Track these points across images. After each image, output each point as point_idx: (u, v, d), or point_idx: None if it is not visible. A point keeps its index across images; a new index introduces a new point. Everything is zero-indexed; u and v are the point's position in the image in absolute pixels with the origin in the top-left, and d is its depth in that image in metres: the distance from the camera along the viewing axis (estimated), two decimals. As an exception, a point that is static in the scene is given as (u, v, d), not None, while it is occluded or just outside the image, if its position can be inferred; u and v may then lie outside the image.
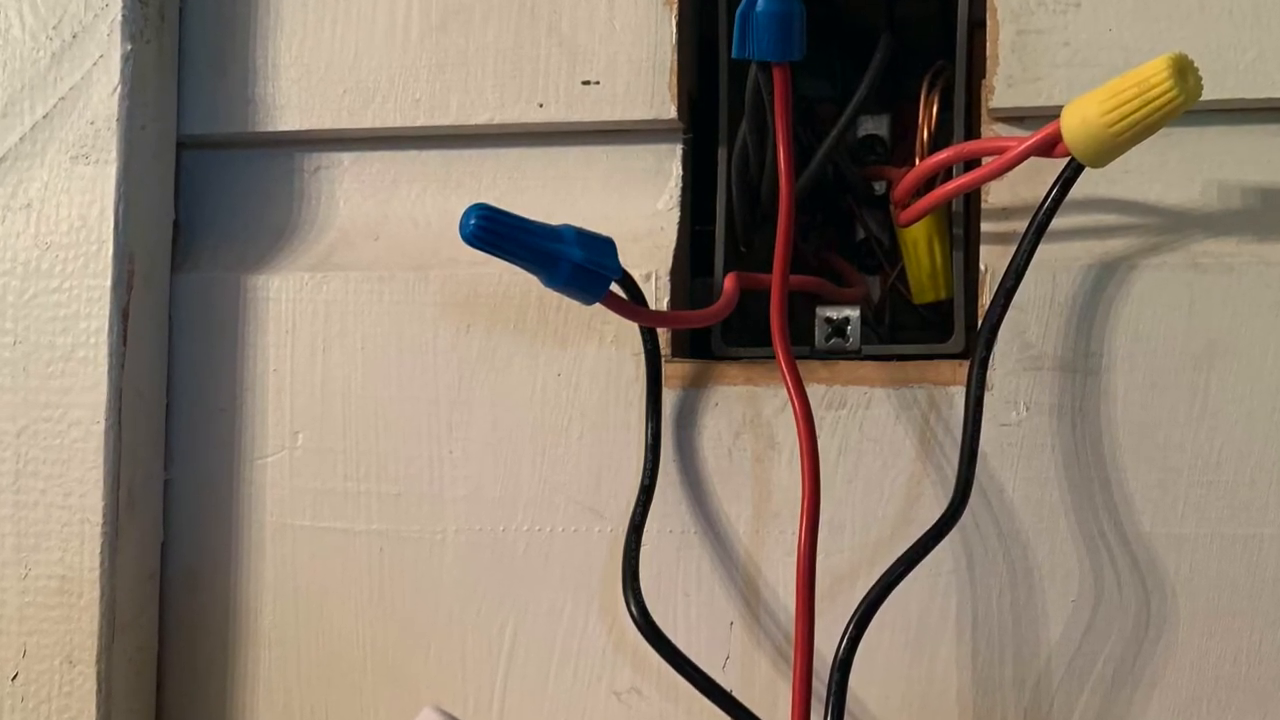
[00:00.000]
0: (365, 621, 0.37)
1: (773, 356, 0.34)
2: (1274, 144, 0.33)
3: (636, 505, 0.33)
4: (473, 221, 0.28)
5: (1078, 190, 0.32)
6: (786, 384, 0.32)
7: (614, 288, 0.31)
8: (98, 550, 0.36)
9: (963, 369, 0.33)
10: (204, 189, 0.40)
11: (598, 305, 0.31)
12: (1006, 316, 0.32)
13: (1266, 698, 0.32)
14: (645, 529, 0.34)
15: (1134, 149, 0.30)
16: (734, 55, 0.32)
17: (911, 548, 0.31)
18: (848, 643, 0.30)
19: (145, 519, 0.38)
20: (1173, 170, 0.34)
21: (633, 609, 0.32)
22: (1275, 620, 0.32)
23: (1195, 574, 0.32)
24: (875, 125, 0.40)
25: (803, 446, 0.32)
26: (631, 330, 0.35)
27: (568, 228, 0.30)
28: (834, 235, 0.40)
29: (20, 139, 0.37)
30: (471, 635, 0.36)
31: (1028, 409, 0.33)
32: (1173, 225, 0.33)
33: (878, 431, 0.34)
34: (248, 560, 0.38)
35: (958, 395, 0.33)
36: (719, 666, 0.35)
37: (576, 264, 0.29)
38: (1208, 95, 0.30)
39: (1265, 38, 0.33)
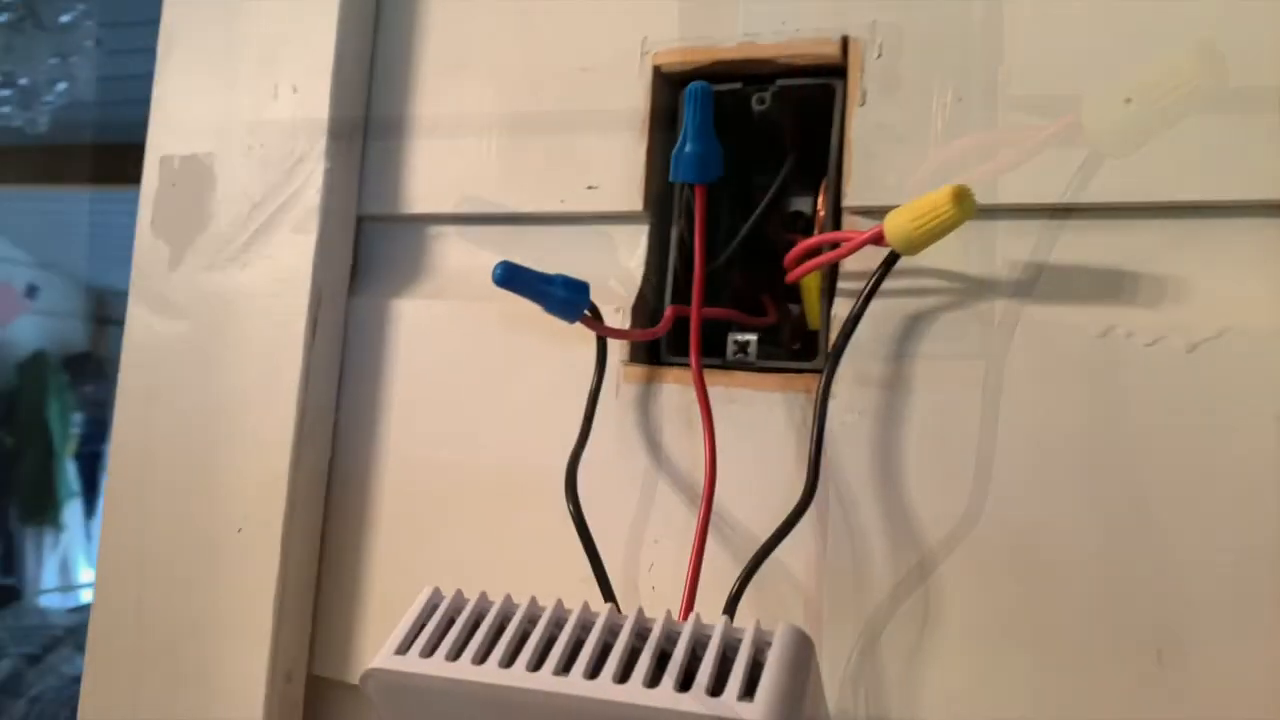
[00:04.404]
0: (443, 521, 0.43)
1: (706, 367, 0.39)
2: (1043, 233, 0.36)
3: (577, 441, 0.38)
4: (498, 271, 0.35)
5: (905, 264, 0.36)
6: (695, 384, 0.38)
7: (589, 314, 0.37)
8: (287, 462, 0.44)
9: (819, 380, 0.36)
10: (372, 247, 0.47)
11: (578, 325, 0.37)
12: (847, 348, 0.36)
13: (1024, 641, 0.35)
14: (587, 463, 0.39)
15: (940, 241, 0.33)
16: (670, 179, 0.38)
17: (784, 522, 0.34)
18: (738, 587, 0.33)
19: (317, 442, 0.45)
20: (971, 253, 0.37)
21: (570, 506, 0.36)
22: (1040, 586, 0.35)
23: (960, 541, 0.35)
24: (801, 204, 0.44)
25: (704, 426, 0.37)
26: (610, 343, 0.40)
27: (559, 276, 0.36)
28: (765, 277, 0.43)
29: (267, 218, 0.45)
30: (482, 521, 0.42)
31: (860, 413, 0.37)
32: (969, 290, 0.37)
33: (763, 421, 0.39)
34: (376, 476, 0.46)
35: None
36: (645, 569, 0.39)
37: (561, 298, 0.36)
38: (988, 200, 0.35)
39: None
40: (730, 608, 0.33)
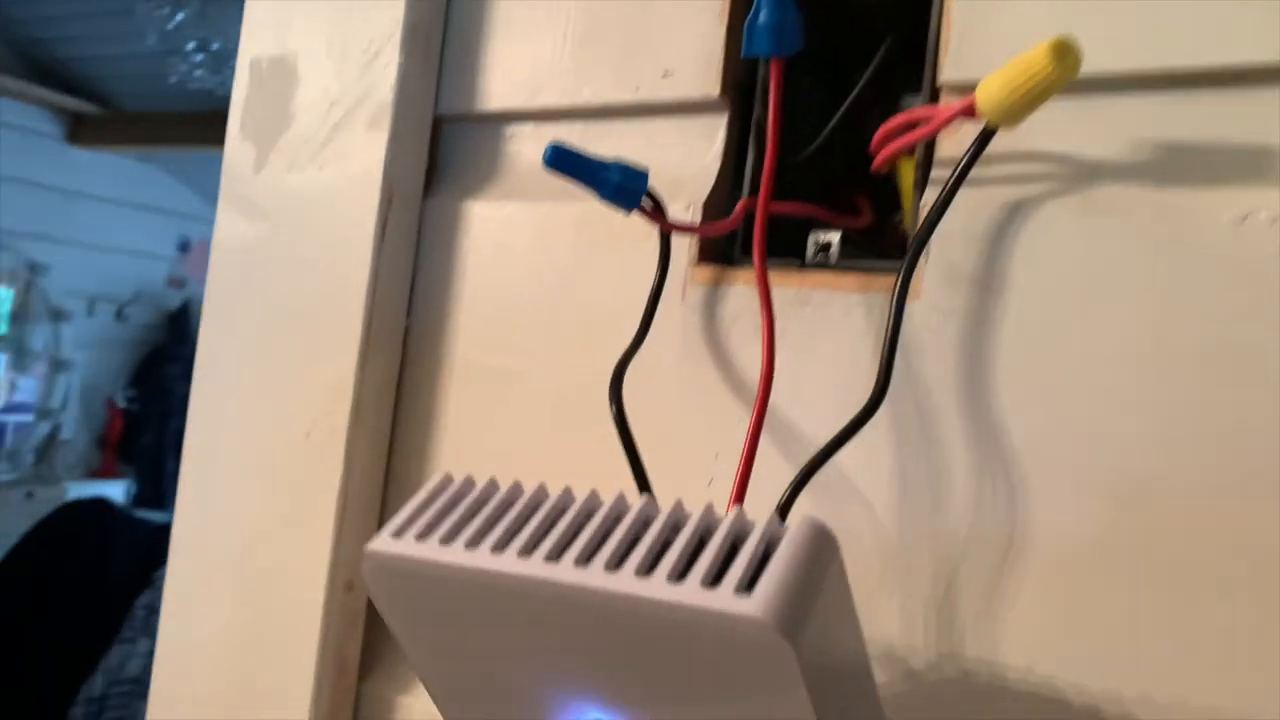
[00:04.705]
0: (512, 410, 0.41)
1: (777, 266, 0.36)
2: (1168, 107, 0.31)
3: (631, 343, 0.36)
4: (548, 152, 0.33)
5: (1000, 144, 0.32)
6: (757, 278, 0.33)
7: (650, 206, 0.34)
8: (353, 366, 0.42)
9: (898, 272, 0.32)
10: (450, 149, 0.46)
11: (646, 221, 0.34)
12: (936, 240, 0.33)
13: (1123, 575, 0.30)
14: (648, 370, 0.37)
15: (1043, 112, 0.29)
16: (743, 55, 0.34)
17: (847, 425, 0.30)
18: (790, 492, 0.30)
19: (386, 347, 0.43)
20: (1080, 130, 0.32)
21: (613, 408, 0.34)
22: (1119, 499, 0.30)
23: (1053, 461, 0.31)
24: (912, 101, 0.39)
25: (764, 328, 0.33)
26: (677, 242, 0.38)
27: (615, 161, 0.34)
28: (864, 176, 0.38)
29: (343, 115, 0.44)
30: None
31: (946, 314, 0.33)
32: (1075, 175, 0.32)
33: (839, 325, 0.35)
34: (445, 384, 0.44)
35: (907, 305, 0.33)
36: (704, 484, 0.36)
37: (615, 184, 0.34)
38: (1100, 67, 0.30)
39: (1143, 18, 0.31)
40: (781, 516, 0.30)
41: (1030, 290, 0.32)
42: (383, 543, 0.26)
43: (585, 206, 0.40)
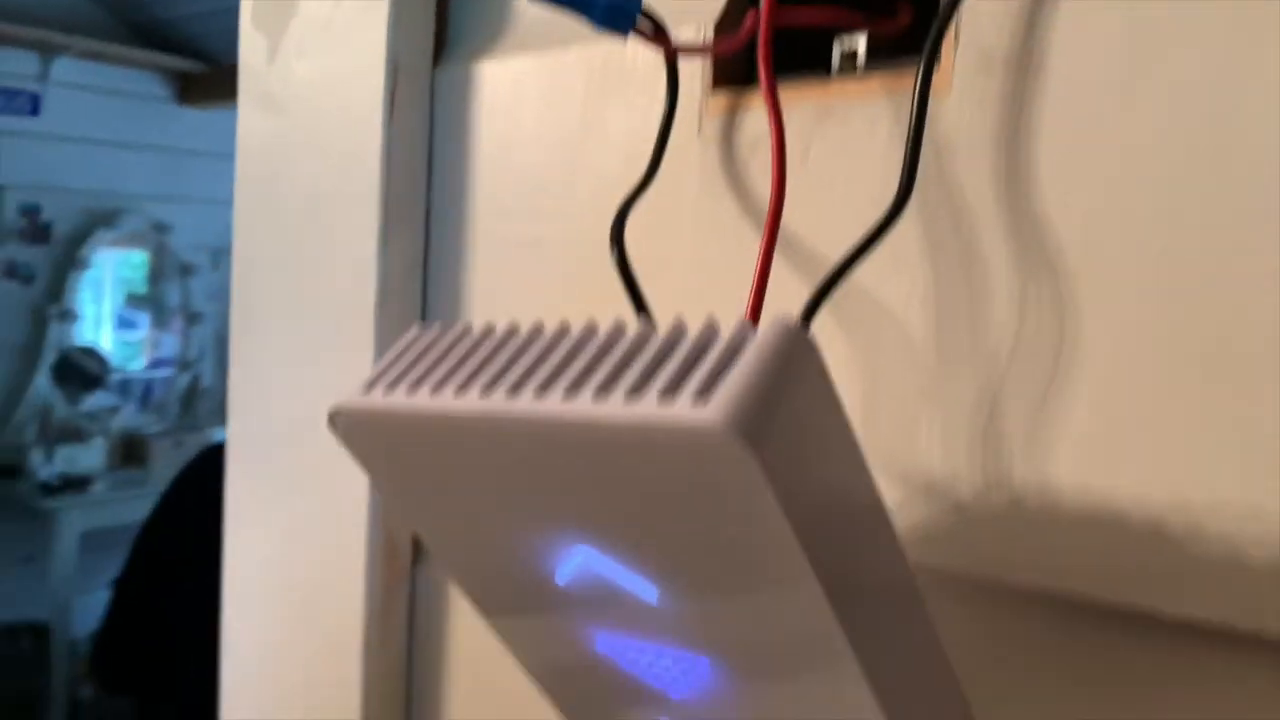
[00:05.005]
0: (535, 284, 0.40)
1: (795, 81, 0.33)
2: None
3: (637, 184, 0.33)
4: None
5: None
6: (765, 94, 0.30)
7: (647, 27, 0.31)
8: (374, 251, 0.41)
9: (938, 77, 0.29)
10: (459, 13, 0.43)
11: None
12: (970, 24, 0.29)
13: (1182, 373, 0.26)
14: (665, 212, 0.35)
15: None
16: None
17: (868, 233, 0.27)
18: (808, 309, 0.28)
19: (407, 228, 0.42)
20: None
21: (614, 254, 0.32)
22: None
23: (1101, 244, 0.27)
24: None
25: (773, 145, 0.29)
26: (689, 70, 0.35)
27: None
28: None
29: None
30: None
31: (980, 105, 0.29)
32: None
33: (863, 137, 0.31)
34: (467, 259, 0.43)
35: (936, 103, 0.29)
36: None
37: (605, 5, 0.30)
38: None
39: None
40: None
41: (1071, 70, 0.28)
42: (347, 400, 0.25)
43: (592, 50, 0.38)
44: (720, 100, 0.35)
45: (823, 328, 0.31)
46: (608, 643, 0.26)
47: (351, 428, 0.25)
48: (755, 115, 0.34)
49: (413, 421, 0.23)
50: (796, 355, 0.20)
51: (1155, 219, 0.26)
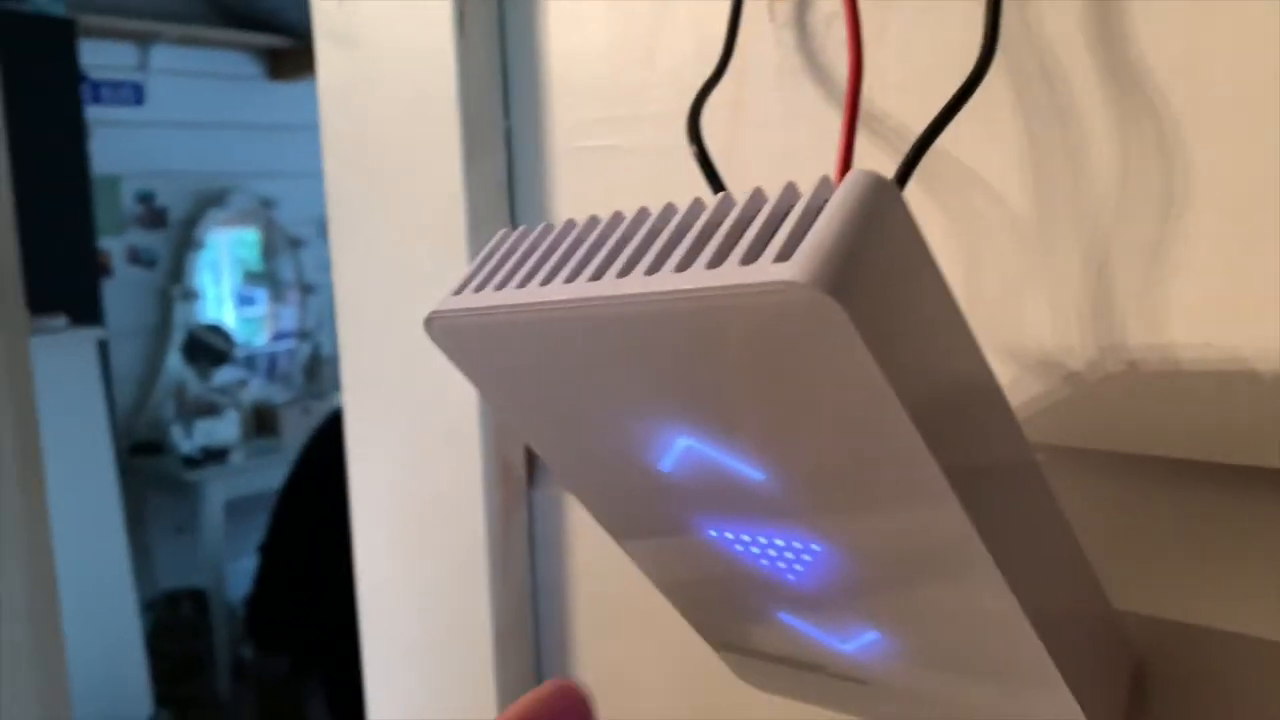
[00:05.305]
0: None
1: None
2: None
3: (711, 75, 0.32)
4: None
5: None
6: None
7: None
8: (459, 173, 0.41)
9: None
10: None
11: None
12: None
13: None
14: (741, 104, 0.34)
15: None
16: None
17: (954, 96, 0.26)
18: (898, 176, 0.26)
19: (489, 151, 0.42)
20: None
21: (694, 148, 0.31)
22: None
23: (1206, 81, 0.25)
24: None
25: (847, 19, 0.28)
26: None
27: None
28: None
29: None
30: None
31: None
32: None
33: (936, 5, 0.29)
34: (550, 175, 0.42)
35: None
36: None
37: None
38: None
39: None
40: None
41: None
42: (439, 304, 0.25)
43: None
44: (794, -22, 0.34)
45: (916, 201, 0.30)
46: (720, 530, 0.26)
47: (445, 331, 0.25)
48: (829, -9, 0.33)
49: (502, 316, 0.24)
50: (881, 205, 0.19)
51: (1265, 44, 0.24)
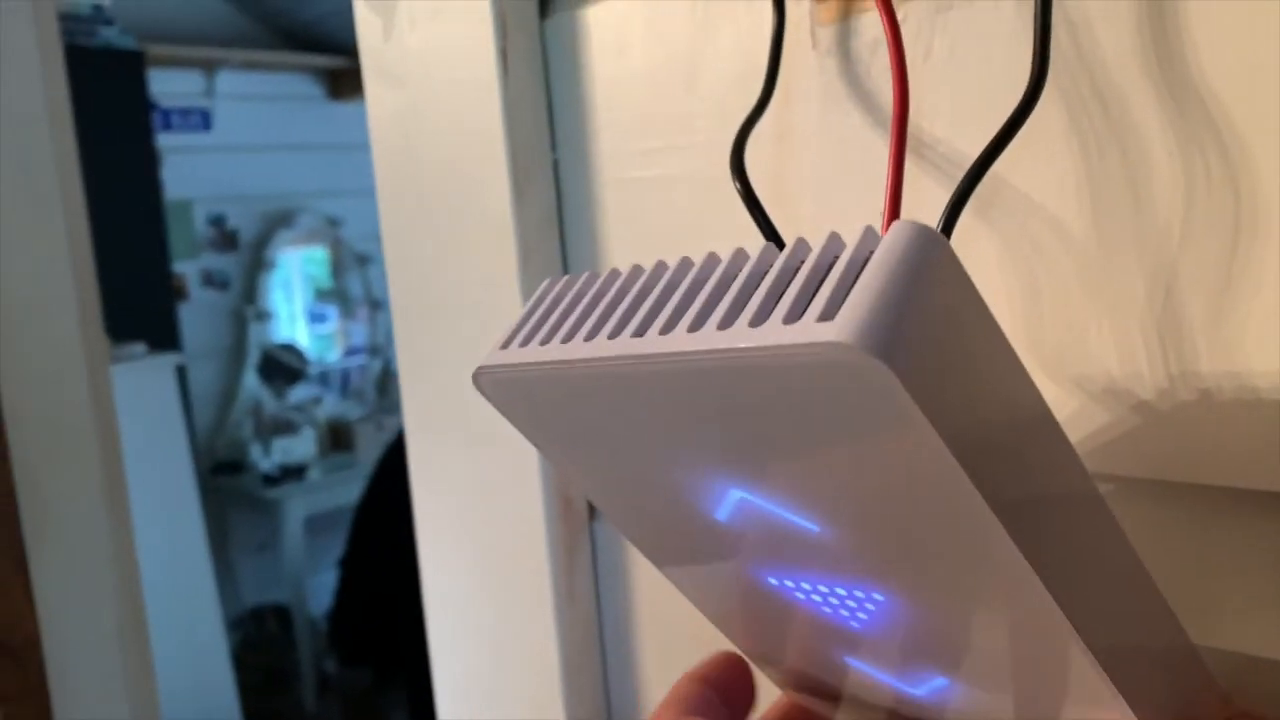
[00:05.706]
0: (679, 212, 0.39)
1: None
2: None
3: (754, 108, 0.31)
4: None
5: None
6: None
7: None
8: (509, 204, 0.41)
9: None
10: None
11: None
12: None
13: None
14: (786, 132, 0.33)
15: None
16: None
17: (1005, 124, 0.25)
18: (949, 211, 0.25)
19: (536, 179, 0.42)
20: None
21: (737, 184, 0.30)
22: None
23: (1271, 98, 0.24)
24: None
25: (890, 45, 0.27)
26: None
27: None
28: None
29: None
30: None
31: None
32: None
33: (983, 23, 0.29)
34: (598, 206, 0.43)
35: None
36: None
37: None
38: None
39: None
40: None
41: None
42: (486, 359, 0.25)
43: (699, -24, 0.36)
44: (831, 7, 0.33)
45: (971, 231, 0.29)
46: (780, 579, 0.26)
47: (493, 386, 0.25)
48: (870, 17, 0.32)
49: (546, 373, 0.24)
50: (927, 258, 0.19)
51: (1334, 57, 0.23)
